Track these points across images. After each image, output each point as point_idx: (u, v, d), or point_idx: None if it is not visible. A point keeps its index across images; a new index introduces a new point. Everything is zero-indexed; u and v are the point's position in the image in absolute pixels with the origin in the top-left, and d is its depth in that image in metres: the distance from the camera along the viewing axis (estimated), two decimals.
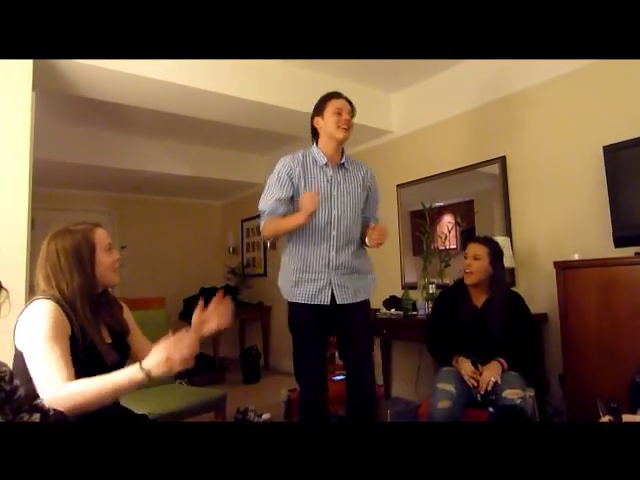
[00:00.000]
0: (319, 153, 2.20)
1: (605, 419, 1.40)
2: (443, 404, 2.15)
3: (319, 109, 2.20)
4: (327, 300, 2.12)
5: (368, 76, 3.78)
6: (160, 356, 1.24)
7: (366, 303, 2.25)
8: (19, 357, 1.33)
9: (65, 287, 1.37)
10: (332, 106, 2.16)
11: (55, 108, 4.05)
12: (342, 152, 2.25)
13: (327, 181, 2.17)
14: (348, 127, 2.17)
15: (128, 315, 1.64)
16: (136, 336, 1.64)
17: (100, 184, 5.69)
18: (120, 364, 1.51)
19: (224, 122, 3.94)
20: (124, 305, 1.66)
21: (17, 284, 2.31)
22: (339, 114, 2.15)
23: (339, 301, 2.13)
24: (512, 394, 2.09)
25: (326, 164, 2.18)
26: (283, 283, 2.23)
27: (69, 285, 1.37)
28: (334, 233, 2.14)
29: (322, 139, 2.22)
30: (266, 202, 2.15)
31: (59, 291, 1.37)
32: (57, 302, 1.35)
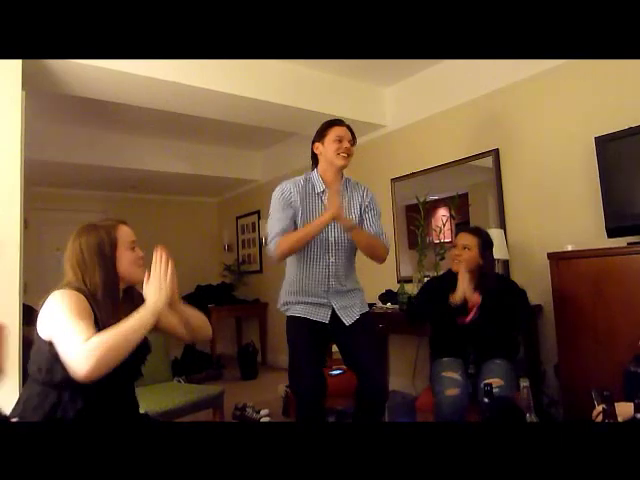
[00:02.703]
0: (318, 179, 2.19)
1: (599, 408, 1.42)
2: (451, 391, 2.14)
3: (320, 135, 2.18)
4: (326, 318, 2.12)
5: (361, 70, 3.77)
6: (154, 289, 1.41)
7: (368, 315, 2.25)
8: (42, 347, 1.35)
9: (88, 280, 1.42)
10: (333, 133, 2.14)
11: (48, 107, 4.03)
12: (342, 176, 2.23)
13: (324, 209, 2.14)
14: (348, 155, 2.14)
15: None
16: (168, 317, 1.61)
17: (94, 183, 5.67)
18: (137, 363, 1.52)
19: (218, 119, 3.92)
20: None
21: (11, 284, 2.31)
22: (339, 141, 2.12)
23: (348, 322, 2.13)
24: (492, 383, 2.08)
25: (323, 191, 2.16)
26: (283, 300, 2.24)
27: (92, 278, 1.42)
28: (332, 260, 2.14)
29: (321, 165, 2.20)
30: (274, 223, 2.10)
31: (83, 283, 1.42)
32: (80, 292, 1.39)
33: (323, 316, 2.13)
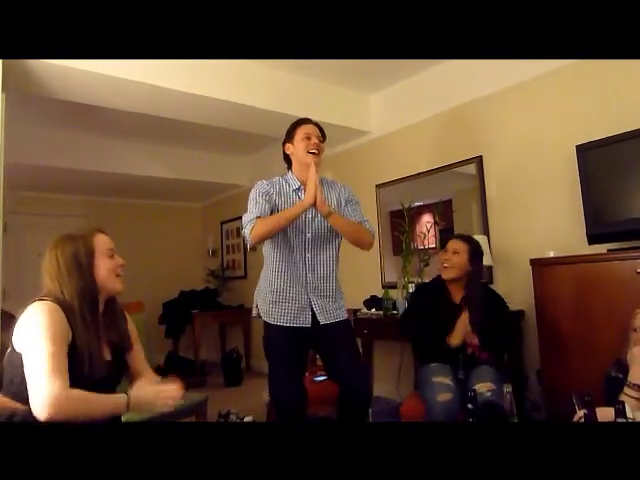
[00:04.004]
0: (293, 178, 2.21)
1: (580, 413, 1.44)
2: (444, 397, 2.13)
3: (289, 135, 2.21)
4: (308, 321, 2.10)
5: (346, 77, 3.79)
6: (151, 399, 1.39)
7: (347, 323, 2.23)
8: (16, 359, 1.32)
9: (66, 291, 1.40)
10: (301, 132, 2.16)
11: (30, 110, 3.96)
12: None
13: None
14: (318, 151, 2.16)
15: (131, 327, 1.64)
16: (136, 352, 1.62)
17: (77, 187, 5.59)
18: (111, 381, 1.50)
19: (203, 124, 3.90)
20: (128, 317, 1.65)
21: None
22: (308, 139, 2.15)
23: (322, 321, 2.11)
24: (482, 387, 2.09)
25: (298, 188, 2.18)
26: (261, 303, 2.20)
27: (69, 288, 1.40)
28: (309, 255, 2.14)
29: (295, 165, 2.22)
30: (251, 210, 2.09)
31: (62, 294, 1.40)
32: (58, 304, 1.36)
33: (304, 320, 2.10)
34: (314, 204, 1.99)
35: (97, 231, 1.52)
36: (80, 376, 1.33)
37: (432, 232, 3.60)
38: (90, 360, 1.37)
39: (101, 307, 1.50)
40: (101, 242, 1.49)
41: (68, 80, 2.90)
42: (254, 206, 2.09)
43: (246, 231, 2.04)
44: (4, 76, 2.46)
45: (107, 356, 1.49)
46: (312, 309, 2.12)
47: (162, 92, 3.14)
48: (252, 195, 2.15)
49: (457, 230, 3.45)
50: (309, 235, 2.14)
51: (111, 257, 1.50)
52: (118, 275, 1.51)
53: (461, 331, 2.34)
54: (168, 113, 3.61)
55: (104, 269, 1.47)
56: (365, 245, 2.24)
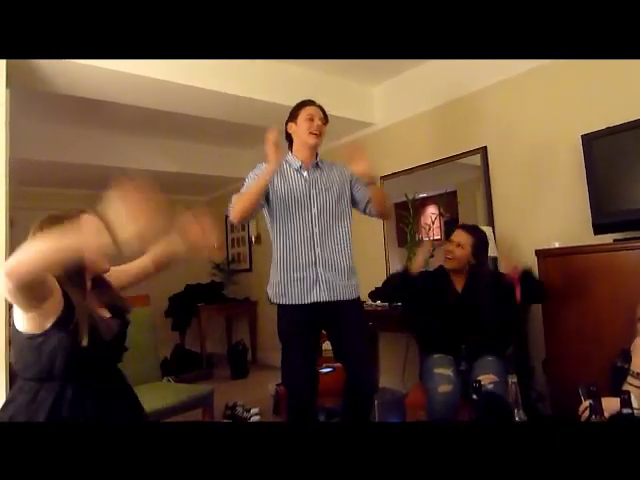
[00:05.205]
0: (293, 158, 2.26)
1: (586, 403, 1.44)
2: (444, 388, 2.15)
3: (293, 116, 2.26)
4: (320, 297, 2.11)
5: (349, 69, 3.77)
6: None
7: (358, 302, 2.25)
8: (19, 341, 1.33)
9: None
10: (305, 113, 2.22)
11: (33, 106, 3.97)
12: (316, 156, 2.30)
13: (305, 181, 2.21)
14: (319, 133, 2.22)
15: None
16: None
17: (81, 182, 5.60)
18: (121, 337, 1.51)
19: (206, 117, 3.90)
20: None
21: None
22: (311, 120, 2.20)
23: (327, 298, 2.12)
24: (484, 380, 2.09)
25: (300, 166, 2.23)
26: (272, 287, 2.21)
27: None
28: (316, 230, 2.16)
29: (296, 145, 2.28)
30: (240, 190, 2.19)
31: None
32: None
33: (315, 296, 2.11)
34: (275, 167, 2.05)
35: (82, 211, 1.51)
36: (91, 340, 1.33)
37: (437, 223, 3.59)
38: (92, 322, 1.36)
39: (88, 284, 1.48)
40: (87, 222, 1.48)
41: (73, 76, 2.90)
42: (244, 186, 2.19)
43: (230, 214, 2.17)
44: (9, 73, 2.46)
45: (106, 314, 1.49)
46: (320, 285, 2.13)
47: (166, 85, 3.14)
48: (247, 179, 2.23)
49: (462, 221, 3.43)
50: (315, 210, 2.17)
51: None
52: (105, 255, 1.49)
53: (421, 258, 2.53)
54: (172, 107, 3.60)
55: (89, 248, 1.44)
56: (389, 214, 2.45)
